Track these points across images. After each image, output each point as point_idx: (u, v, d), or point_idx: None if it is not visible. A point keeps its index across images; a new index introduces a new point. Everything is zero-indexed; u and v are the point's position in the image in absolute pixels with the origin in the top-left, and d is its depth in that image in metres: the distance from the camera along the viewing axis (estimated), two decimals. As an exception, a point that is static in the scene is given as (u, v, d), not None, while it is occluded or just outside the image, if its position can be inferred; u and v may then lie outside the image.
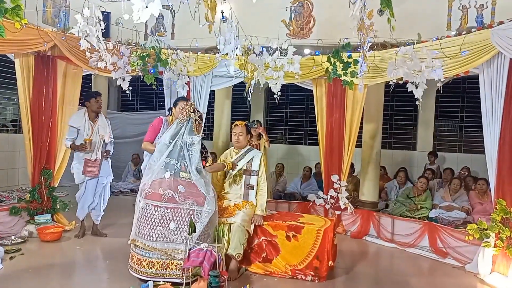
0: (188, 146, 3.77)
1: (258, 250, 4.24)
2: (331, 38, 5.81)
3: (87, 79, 7.55)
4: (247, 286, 3.77)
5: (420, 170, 8.32)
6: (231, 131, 4.64)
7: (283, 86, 5.58)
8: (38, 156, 5.20)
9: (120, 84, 5.58)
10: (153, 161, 3.84)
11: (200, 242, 3.55)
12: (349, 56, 5.55)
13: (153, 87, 5.92)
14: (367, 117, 6.30)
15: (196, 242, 3.54)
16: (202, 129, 4.00)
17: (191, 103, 4.01)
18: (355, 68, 5.46)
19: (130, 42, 5.86)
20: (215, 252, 3.47)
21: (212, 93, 6.71)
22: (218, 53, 5.61)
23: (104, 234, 5.27)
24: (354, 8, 3.62)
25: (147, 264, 3.60)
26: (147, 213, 3.65)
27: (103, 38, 3.90)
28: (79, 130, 4.98)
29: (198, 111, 3.98)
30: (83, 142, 4.89)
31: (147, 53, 5.73)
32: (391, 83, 4.97)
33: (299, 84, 6.47)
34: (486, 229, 4.31)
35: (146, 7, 2.64)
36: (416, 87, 4.53)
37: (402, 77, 4.61)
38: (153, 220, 3.62)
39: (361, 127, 6.17)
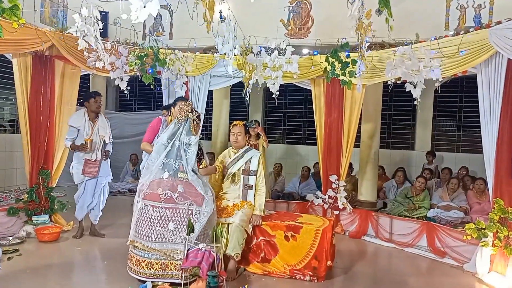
0: (185, 146, 3.76)
1: (256, 250, 4.24)
2: (330, 38, 5.82)
3: (85, 79, 7.54)
4: (246, 286, 3.77)
5: (418, 170, 8.34)
6: (229, 131, 4.64)
7: (281, 86, 5.57)
8: (36, 156, 5.19)
9: (118, 84, 5.57)
10: (151, 162, 3.82)
11: (199, 242, 3.54)
12: (348, 56, 5.55)
13: (151, 87, 5.91)
14: (365, 117, 6.31)
15: (195, 242, 3.54)
16: (200, 129, 3.99)
17: (189, 103, 4.00)
18: (353, 68, 5.46)
19: (128, 42, 5.85)
20: (214, 252, 3.47)
21: (210, 93, 6.71)
22: (217, 53, 5.62)
23: (102, 235, 5.26)
24: (352, 8, 3.62)
25: (146, 265, 3.59)
26: (146, 214, 3.64)
27: (101, 38, 3.90)
28: (79, 130, 4.97)
29: (196, 111, 3.97)
30: (84, 142, 4.89)
31: (145, 53, 5.72)
32: (389, 83, 4.97)
33: (297, 84, 6.47)
34: (484, 229, 4.32)
35: (144, 6, 2.63)
36: (414, 87, 4.54)
37: (400, 77, 4.61)
38: (151, 220, 3.61)
39: (359, 127, 6.18)
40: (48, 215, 5.28)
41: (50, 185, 5.35)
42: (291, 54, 5.39)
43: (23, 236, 4.97)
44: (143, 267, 3.59)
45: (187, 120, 3.85)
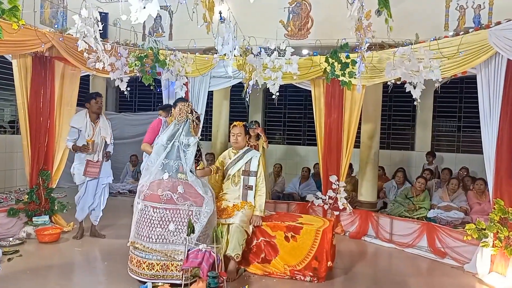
0: (184, 147, 3.76)
1: (256, 251, 4.24)
2: (329, 39, 5.83)
3: (85, 80, 7.55)
4: (246, 286, 3.77)
5: (418, 170, 8.34)
6: (229, 131, 4.64)
7: (281, 86, 5.58)
8: (36, 157, 5.19)
9: (118, 85, 5.58)
10: (151, 162, 3.82)
11: (199, 243, 3.54)
12: (347, 57, 5.56)
13: (151, 88, 5.92)
14: (365, 118, 6.31)
15: (195, 243, 3.54)
16: (200, 130, 3.99)
17: (188, 104, 4.01)
18: (353, 68, 5.47)
19: (128, 43, 5.85)
20: (214, 253, 3.47)
21: (210, 94, 6.71)
22: (216, 53, 5.62)
23: (102, 235, 5.26)
24: (352, 8, 3.62)
25: (147, 266, 3.59)
26: (146, 215, 3.63)
27: (101, 39, 3.90)
28: (80, 131, 4.97)
29: (195, 112, 3.98)
30: (86, 143, 4.89)
31: (145, 54, 5.73)
32: (389, 83, 4.98)
33: (297, 85, 6.47)
34: (485, 229, 4.32)
35: (144, 7, 2.64)
36: (414, 88, 4.55)
37: (400, 78, 4.62)
38: (152, 221, 3.60)
39: (359, 128, 6.18)
40: (48, 216, 5.28)
41: (50, 186, 5.35)
42: (291, 55, 5.40)
43: (23, 237, 4.97)
44: (144, 268, 3.59)
45: (186, 121, 3.85)
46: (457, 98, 9.10)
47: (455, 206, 5.73)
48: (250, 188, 4.29)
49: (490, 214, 4.34)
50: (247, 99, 5.03)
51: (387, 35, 3.80)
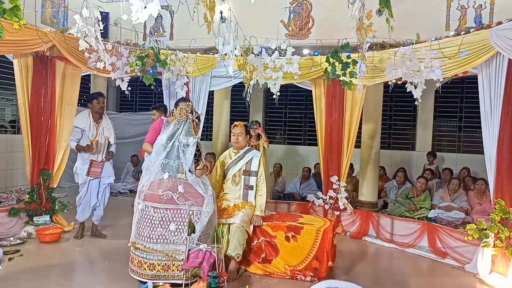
0: (183, 147, 3.76)
1: (257, 251, 4.24)
2: (330, 39, 5.82)
3: (86, 80, 7.55)
4: (247, 286, 3.77)
5: (419, 170, 8.33)
6: (230, 131, 4.64)
7: (282, 86, 5.57)
8: (37, 157, 5.19)
9: (119, 85, 5.57)
10: (151, 162, 3.82)
11: (200, 243, 3.54)
12: (348, 57, 5.55)
13: (152, 87, 5.91)
14: (366, 118, 6.30)
15: (196, 243, 3.53)
16: (200, 130, 3.99)
17: (188, 104, 4.01)
18: (354, 68, 5.46)
19: (129, 43, 5.85)
20: (215, 252, 3.47)
21: (211, 94, 6.71)
22: (217, 53, 5.62)
23: (103, 235, 5.27)
24: (353, 8, 3.62)
25: (148, 266, 3.59)
26: (147, 215, 3.63)
27: (102, 39, 3.89)
28: (84, 131, 4.98)
29: (196, 112, 3.98)
30: (89, 143, 4.90)
31: (146, 53, 5.72)
32: (390, 83, 4.97)
33: (298, 85, 6.47)
34: (485, 229, 4.31)
35: (145, 7, 2.63)
36: (415, 87, 4.54)
37: (401, 77, 4.61)
38: (153, 221, 3.60)
39: (360, 128, 6.18)
40: (49, 215, 5.29)
41: (51, 185, 5.35)
42: (292, 55, 5.39)
43: (24, 237, 4.98)
44: (145, 268, 3.59)
45: (186, 120, 3.85)
46: (458, 98, 9.09)
47: (456, 206, 5.72)
48: (251, 188, 4.29)
49: (491, 214, 4.33)
50: (247, 99, 5.02)
51: (388, 35, 3.79)
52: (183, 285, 3.46)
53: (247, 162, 4.34)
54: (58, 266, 4.27)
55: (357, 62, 5.18)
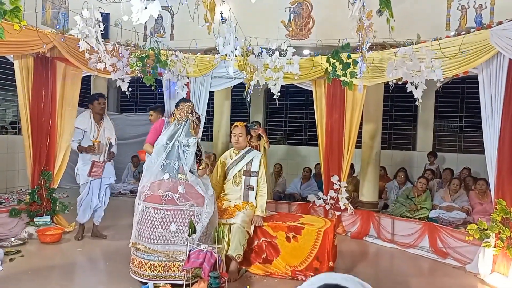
0: (183, 147, 3.76)
1: (258, 251, 4.24)
2: (331, 39, 5.82)
3: (86, 81, 7.55)
4: (247, 287, 3.77)
5: (420, 171, 8.32)
6: (230, 132, 4.64)
7: (282, 87, 5.57)
8: (38, 158, 5.20)
9: (120, 85, 5.58)
10: (151, 163, 3.82)
11: (201, 243, 3.54)
12: (349, 57, 5.55)
13: (153, 88, 5.91)
14: (366, 118, 6.30)
15: (196, 243, 3.53)
16: (200, 130, 3.99)
17: (189, 105, 4.01)
18: (354, 68, 5.46)
19: (130, 43, 5.85)
20: (215, 253, 3.47)
21: (211, 94, 6.71)
22: (218, 54, 5.61)
23: (103, 236, 5.27)
24: (353, 8, 3.62)
25: (148, 267, 3.59)
26: (147, 216, 3.63)
27: (102, 40, 3.90)
28: (85, 132, 4.99)
29: (196, 112, 3.98)
30: (91, 144, 4.90)
31: (146, 54, 5.73)
32: (390, 83, 4.97)
33: (298, 85, 6.47)
34: (486, 229, 4.31)
35: (145, 8, 2.64)
36: (416, 88, 4.54)
37: (402, 78, 4.61)
38: (153, 222, 3.60)
39: (360, 128, 6.17)
40: (50, 216, 5.29)
41: (51, 186, 5.36)
42: (292, 55, 5.38)
43: (25, 237, 4.98)
44: (146, 269, 3.59)
45: (186, 121, 3.85)
46: (458, 98, 9.09)
47: (456, 206, 5.71)
48: (252, 188, 4.28)
49: (492, 214, 4.33)
50: (248, 99, 5.02)
51: (389, 35, 3.80)
52: (184, 285, 3.46)
53: (247, 163, 4.34)
54: (59, 267, 4.28)
55: (358, 62, 5.17)
